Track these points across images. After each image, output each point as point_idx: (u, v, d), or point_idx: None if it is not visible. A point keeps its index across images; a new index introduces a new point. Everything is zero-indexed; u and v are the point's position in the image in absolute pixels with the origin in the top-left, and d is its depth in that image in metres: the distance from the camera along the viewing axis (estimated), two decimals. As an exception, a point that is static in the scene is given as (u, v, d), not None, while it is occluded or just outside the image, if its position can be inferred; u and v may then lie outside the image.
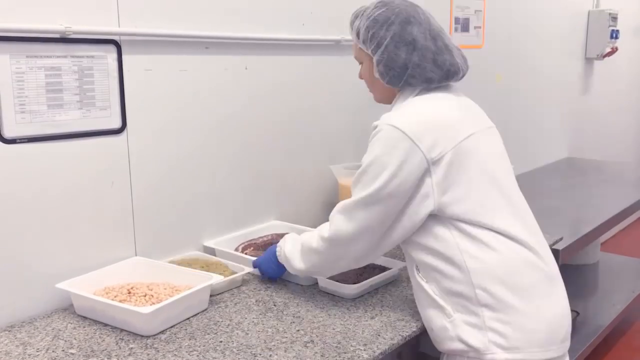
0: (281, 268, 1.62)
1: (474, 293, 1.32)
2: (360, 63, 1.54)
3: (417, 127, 1.33)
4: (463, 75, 1.46)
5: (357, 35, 1.47)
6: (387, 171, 1.32)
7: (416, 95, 1.44)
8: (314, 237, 1.49)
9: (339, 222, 1.41)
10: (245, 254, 1.84)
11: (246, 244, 1.93)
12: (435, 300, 1.37)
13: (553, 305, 1.37)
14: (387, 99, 1.52)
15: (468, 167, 1.34)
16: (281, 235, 1.77)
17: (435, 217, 1.35)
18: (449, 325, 1.35)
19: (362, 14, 1.47)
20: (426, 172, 1.32)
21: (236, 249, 1.89)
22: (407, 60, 1.39)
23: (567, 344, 1.40)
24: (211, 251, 1.86)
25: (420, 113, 1.38)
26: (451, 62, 1.42)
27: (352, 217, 1.39)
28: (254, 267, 1.71)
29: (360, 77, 1.57)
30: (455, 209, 1.33)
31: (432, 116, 1.37)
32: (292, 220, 2.10)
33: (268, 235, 1.98)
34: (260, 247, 1.91)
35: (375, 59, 1.43)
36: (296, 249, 1.54)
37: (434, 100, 1.42)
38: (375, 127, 1.39)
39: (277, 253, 1.61)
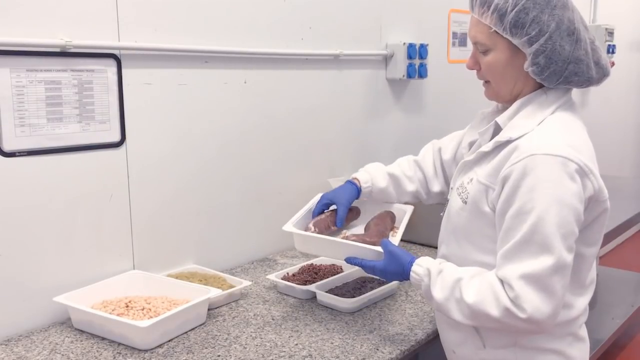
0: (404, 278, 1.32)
1: (515, 339, 1.24)
2: (486, 51, 1.24)
3: (587, 157, 1.15)
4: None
5: (500, 17, 1.17)
6: (572, 215, 1.11)
7: (559, 107, 1.22)
8: (491, 304, 1.15)
9: (534, 300, 1.11)
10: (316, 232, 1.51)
11: (315, 229, 1.52)
12: (469, 328, 1.27)
13: (583, 347, 1.34)
14: (512, 97, 1.26)
15: (599, 217, 1.20)
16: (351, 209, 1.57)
17: None
18: (476, 356, 1.29)
19: None
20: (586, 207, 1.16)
21: (306, 229, 1.51)
22: (570, 54, 1.17)
23: None
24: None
25: (579, 139, 1.19)
26: (605, 59, 1.22)
27: (548, 287, 1.11)
28: (353, 263, 1.41)
29: (473, 66, 1.29)
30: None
31: (588, 146, 1.19)
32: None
33: (327, 212, 1.60)
34: (325, 226, 1.54)
35: (533, 49, 1.17)
36: (453, 301, 1.20)
37: (580, 124, 1.24)
38: (511, 140, 1.17)
39: (412, 280, 1.29)
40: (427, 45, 2.50)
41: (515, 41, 1.19)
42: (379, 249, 1.37)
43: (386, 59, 2.46)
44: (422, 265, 1.27)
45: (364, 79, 2.38)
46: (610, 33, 4.02)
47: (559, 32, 1.16)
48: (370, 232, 1.51)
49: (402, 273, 1.31)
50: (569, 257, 1.12)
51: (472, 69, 1.29)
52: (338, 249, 1.44)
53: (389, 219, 1.61)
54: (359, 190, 1.60)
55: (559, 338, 1.26)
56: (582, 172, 1.12)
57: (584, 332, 1.33)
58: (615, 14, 4.30)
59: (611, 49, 4.01)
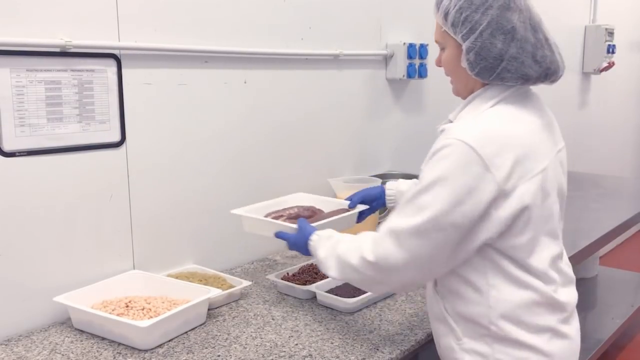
0: (309, 253, 1.48)
1: (488, 326, 1.25)
2: (442, 49, 1.34)
3: (494, 151, 1.16)
4: (560, 76, 1.30)
5: (445, 16, 1.27)
6: (452, 196, 1.16)
7: (500, 101, 1.26)
8: (354, 254, 1.30)
9: (388, 248, 1.23)
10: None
11: (273, 215, 1.77)
12: (447, 319, 1.31)
13: (567, 341, 1.31)
14: (467, 93, 1.33)
15: (531, 205, 1.20)
16: (307, 209, 1.74)
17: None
18: (457, 347, 1.30)
19: None
20: (493, 204, 1.17)
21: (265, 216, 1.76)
22: (502, 51, 1.22)
23: None
24: (237, 218, 1.78)
25: (497, 132, 1.20)
26: (551, 58, 1.26)
27: (404, 244, 1.21)
28: (279, 237, 1.59)
29: (439, 64, 1.38)
30: (504, 243, 1.21)
31: (512, 139, 1.19)
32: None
33: (294, 208, 1.83)
34: (287, 219, 1.76)
35: (465, 45, 1.24)
36: (332, 257, 1.36)
37: (517, 117, 1.25)
38: (442, 130, 1.24)
39: (309, 247, 1.46)
40: (427, 45, 2.50)
41: (457, 38, 1.26)
42: (294, 225, 1.57)
43: (386, 59, 2.46)
44: (319, 235, 1.45)
45: (364, 79, 2.38)
46: (610, 33, 4.02)
47: (491, 31, 1.22)
48: (311, 219, 1.69)
49: (304, 243, 1.47)
50: (436, 232, 1.17)
51: (438, 66, 1.38)
52: (269, 227, 1.65)
53: (341, 213, 1.74)
54: (383, 190, 1.74)
55: (535, 333, 1.26)
56: (483, 164, 1.15)
57: (568, 329, 1.31)
58: (615, 14, 4.31)
59: (611, 49, 4.01)
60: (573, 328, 1.33)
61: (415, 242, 1.19)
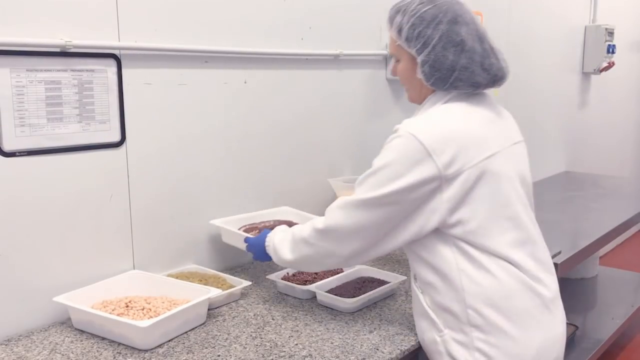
0: (268, 255, 1.57)
1: (465, 313, 1.31)
2: (397, 60, 1.45)
3: (437, 140, 1.27)
4: (506, 81, 1.41)
5: (399, 32, 1.37)
6: (396, 180, 1.28)
7: (447, 101, 1.37)
8: (306, 227, 1.43)
9: (336, 217, 1.36)
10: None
11: (248, 226, 1.90)
12: (428, 313, 1.38)
13: (545, 330, 1.34)
14: (422, 99, 1.44)
15: (483, 188, 1.29)
16: (284, 223, 1.78)
17: (439, 233, 1.32)
18: (439, 339, 1.36)
19: (405, 10, 1.37)
20: (437, 188, 1.28)
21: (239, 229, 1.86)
22: (454, 63, 1.33)
23: None
24: (216, 229, 1.85)
25: (443, 124, 1.31)
26: (498, 66, 1.37)
27: (351, 214, 1.34)
28: (246, 246, 1.67)
29: (394, 74, 1.49)
30: (460, 228, 1.30)
31: (455, 129, 1.30)
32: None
33: (270, 221, 1.96)
34: (261, 231, 1.85)
35: (420, 59, 1.35)
36: (286, 239, 1.49)
37: (463, 111, 1.36)
38: (396, 130, 1.33)
39: (266, 243, 1.56)
40: (427, 45, 2.50)
41: (411, 52, 1.37)
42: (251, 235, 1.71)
43: (386, 59, 2.46)
44: (274, 229, 1.57)
45: (364, 79, 2.38)
46: (610, 33, 4.02)
47: (442, 44, 1.33)
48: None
49: (262, 241, 1.57)
50: (378, 207, 1.31)
51: (394, 76, 1.51)
52: (238, 238, 1.75)
53: None
54: None
55: (513, 318, 1.31)
56: (425, 151, 1.26)
57: (549, 317, 1.36)
58: (615, 14, 4.30)
59: (611, 49, 4.01)
60: (554, 316, 1.37)
61: (360, 213, 1.33)
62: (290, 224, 1.86)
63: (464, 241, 1.31)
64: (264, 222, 1.95)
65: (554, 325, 1.37)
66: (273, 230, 1.58)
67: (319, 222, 1.40)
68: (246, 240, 1.67)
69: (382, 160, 1.32)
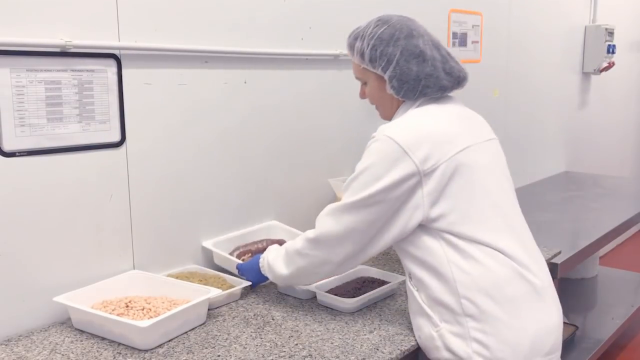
0: (263, 276, 1.63)
1: (459, 303, 1.34)
2: (364, 83, 1.55)
3: (412, 139, 1.35)
4: (467, 80, 1.50)
5: (362, 56, 1.48)
6: (378, 180, 1.35)
7: (417, 106, 1.46)
8: (298, 240, 1.49)
9: (327, 224, 1.42)
10: (243, 260, 1.85)
11: (242, 250, 1.93)
12: (424, 309, 1.40)
13: (539, 318, 1.37)
14: (390, 115, 1.54)
15: (460, 180, 1.36)
16: (276, 242, 1.79)
17: (425, 228, 1.38)
18: (436, 334, 1.37)
19: (363, 35, 1.48)
20: (418, 184, 1.34)
21: (231, 253, 1.89)
22: (419, 72, 1.42)
23: (555, 355, 1.40)
24: (208, 252, 1.86)
25: (416, 125, 1.40)
26: (458, 68, 1.47)
27: (339, 219, 1.40)
28: (238, 271, 1.73)
29: (362, 96, 1.59)
30: (444, 221, 1.35)
31: (428, 128, 1.38)
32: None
33: (263, 242, 1.99)
34: (254, 254, 1.90)
35: (387, 75, 1.45)
36: (280, 255, 1.55)
37: (433, 112, 1.44)
38: (373, 136, 1.41)
39: (260, 264, 1.62)
40: (427, 45, 2.50)
41: (377, 72, 1.46)
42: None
43: (386, 59, 2.46)
44: (268, 249, 1.63)
45: (364, 79, 2.38)
46: (610, 33, 4.02)
47: (404, 58, 1.42)
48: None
49: (256, 263, 1.64)
50: (365, 208, 1.37)
51: (363, 99, 1.60)
52: (230, 263, 1.80)
53: None
54: None
55: (505, 305, 1.34)
56: (402, 150, 1.34)
57: (542, 305, 1.38)
58: (615, 14, 4.30)
59: (611, 49, 4.01)
60: (547, 305, 1.39)
61: (349, 217, 1.39)
62: (281, 242, 1.88)
63: (449, 233, 1.36)
64: (256, 244, 1.97)
65: (549, 314, 1.39)
66: (266, 250, 1.63)
67: (310, 232, 1.46)
68: (238, 266, 1.73)
69: (363, 164, 1.39)
